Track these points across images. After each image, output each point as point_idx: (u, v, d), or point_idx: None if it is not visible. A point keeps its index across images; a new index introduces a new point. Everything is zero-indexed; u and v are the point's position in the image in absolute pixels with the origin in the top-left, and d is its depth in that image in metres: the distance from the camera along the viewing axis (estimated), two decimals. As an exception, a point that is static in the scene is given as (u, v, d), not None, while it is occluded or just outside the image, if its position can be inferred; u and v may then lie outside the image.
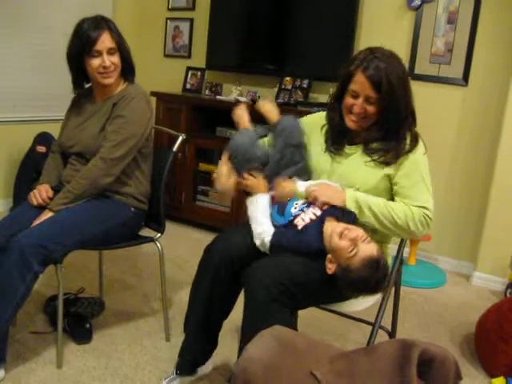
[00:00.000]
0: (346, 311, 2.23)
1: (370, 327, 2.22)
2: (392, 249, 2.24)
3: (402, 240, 2.29)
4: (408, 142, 2.03)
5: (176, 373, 2.22)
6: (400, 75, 1.95)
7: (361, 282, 1.77)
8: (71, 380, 2.25)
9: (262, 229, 1.93)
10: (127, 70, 2.45)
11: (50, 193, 2.41)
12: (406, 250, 3.67)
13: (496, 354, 2.55)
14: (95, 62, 2.32)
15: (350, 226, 1.84)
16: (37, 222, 2.23)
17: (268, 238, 1.91)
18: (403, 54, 3.91)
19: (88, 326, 2.58)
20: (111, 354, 2.47)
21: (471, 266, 3.88)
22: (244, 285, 1.89)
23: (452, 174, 3.94)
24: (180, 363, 2.22)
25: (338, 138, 2.12)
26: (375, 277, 1.77)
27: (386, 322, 2.47)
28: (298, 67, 4.30)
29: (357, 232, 1.80)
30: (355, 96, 1.98)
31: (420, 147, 2.06)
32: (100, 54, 2.31)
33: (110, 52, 2.33)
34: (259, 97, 4.47)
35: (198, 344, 2.15)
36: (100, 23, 2.31)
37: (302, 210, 1.96)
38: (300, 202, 1.99)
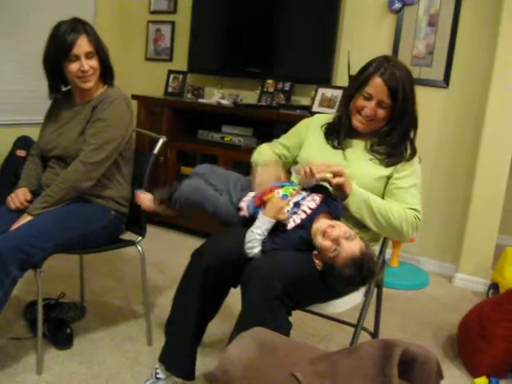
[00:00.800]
0: (328, 313, 2.23)
1: (353, 329, 2.21)
2: (375, 250, 2.24)
3: (383, 241, 2.29)
4: (408, 148, 2.14)
5: (156, 377, 2.14)
6: (411, 85, 2.07)
7: (346, 278, 1.78)
8: (52, 386, 2.23)
9: (252, 247, 1.92)
10: (106, 74, 2.43)
11: (28, 196, 2.39)
12: (389, 251, 3.69)
13: (478, 354, 2.56)
14: (73, 67, 2.29)
15: (334, 223, 1.84)
16: (15, 225, 2.20)
17: (257, 250, 1.90)
18: (384, 57, 3.92)
19: (69, 331, 2.55)
20: (92, 359, 2.44)
21: (454, 267, 3.90)
22: (242, 286, 1.88)
23: (434, 176, 3.96)
24: (173, 368, 2.10)
25: (340, 133, 2.18)
26: (360, 274, 1.77)
27: (369, 323, 2.48)
28: (280, 70, 4.31)
29: (339, 231, 1.80)
30: (368, 98, 2.05)
31: (417, 156, 2.16)
32: (78, 58, 2.28)
33: (88, 56, 2.30)
34: (241, 100, 4.47)
35: (190, 347, 2.08)
36: (77, 26, 2.28)
37: (294, 213, 1.95)
38: (291, 203, 1.97)
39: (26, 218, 2.22)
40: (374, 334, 2.53)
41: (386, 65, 2.04)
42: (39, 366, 2.30)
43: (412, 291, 3.61)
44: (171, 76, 4.85)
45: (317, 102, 3.94)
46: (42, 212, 2.24)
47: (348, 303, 2.07)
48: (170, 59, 5.01)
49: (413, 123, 2.14)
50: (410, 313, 3.25)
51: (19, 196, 2.36)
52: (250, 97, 4.48)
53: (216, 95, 4.51)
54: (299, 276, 1.83)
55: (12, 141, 4.24)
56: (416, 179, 2.13)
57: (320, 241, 1.81)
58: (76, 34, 2.25)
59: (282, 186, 2.05)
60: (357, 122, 2.11)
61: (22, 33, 4.34)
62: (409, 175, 2.10)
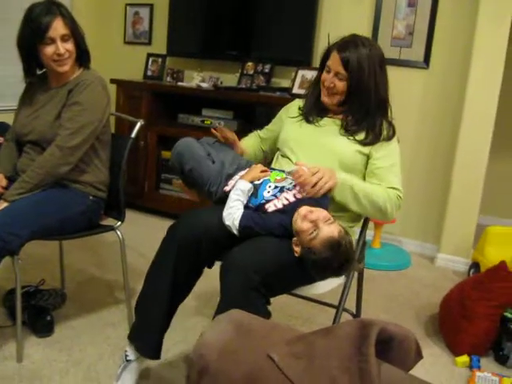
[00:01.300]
0: (310, 295, 2.23)
1: (335, 310, 2.21)
2: (355, 232, 2.24)
3: (364, 222, 2.29)
4: (385, 128, 2.16)
5: (127, 359, 2.11)
6: (372, 61, 2.09)
7: (323, 263, 1.78)
8: (32, 374, 2.20)
9: (233, 210, 1.91)
10: (82, 56, 2.39)
11: (4, 182, 2.35)
12: (371, 233, 3.70)
13: (460, 332, 2.58)
14: (49, 50, 2.25)
15: (313, 209, 1.83)
16: None
17: (237, 220, 1.89)
18: (364, 38, 3.90)
19: (49, 318, 2.52)
20: (73, 346, 2.42)
21: (435, 247, 3.92)
22: (221, 277, 1.85)
23: (415, 157, 3.96)
24: (140, 346, 2.08)
25: (313, 111, 2.23)
26: (337, 258, 1.77)
27: (352, 304, 2.48)
28: (260, 52, 4.27)
29: (318, 214, 1.79)
30: (328, 71, 2.13)
31: (396, 142, 2.21)
32: (53, 41, 2.24)
33: (64, 39, 2.26)
34: (221, 83, 4.43)
35: (160, 324, 2.05)
36: (51, 8, 2.23)
37: (274, 196, 1.95)
38: (272, 185, 1.99)
39: (1, 205, 2.19)
40: (356, 315, 2.53)
41: (347, 39, 2.12)
42: (19, 354, 2.28)
43: (394, 272, 3.63)
44: (150, 59, 4.79)
45: (297, 84, 3.92)
46: (18, 198, 2.20)
47: (329, 284, 2.07)
48: (149, 42, 4.94)
49: (379, 102, 2.15)
50: (392, 293, 3.27)
51: None
52: (230, 79, 4.44)
53: (196, 78, 4.46)
54: (278, 266, 1.83)
55: (-11, 128, 4.19)
56: (395, 158, 2.16)
57: (299, 223, 1.81)
58: (51, 17, 2.21)
59: (272, 170, 2.09)
60: (323, 96, 2.18)
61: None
62: (388, 155, 2.13)
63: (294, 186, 1.97)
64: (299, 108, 2.30)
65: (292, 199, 1.93)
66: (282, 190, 1.97)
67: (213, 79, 4.48)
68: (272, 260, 1.82)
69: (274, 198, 1.95)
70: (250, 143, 2.43)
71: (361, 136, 2.12)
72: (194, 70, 4.58)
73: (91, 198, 2.41)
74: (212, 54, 4.52)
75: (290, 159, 2.16)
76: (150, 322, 2.05)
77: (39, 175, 2.24)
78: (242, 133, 3.81)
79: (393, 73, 3.85)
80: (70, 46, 2.29)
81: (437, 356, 2.58)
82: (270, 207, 1.93)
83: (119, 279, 3.07)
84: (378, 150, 2.12)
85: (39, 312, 2.54)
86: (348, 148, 2.11)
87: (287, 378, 1.14)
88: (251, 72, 4.27)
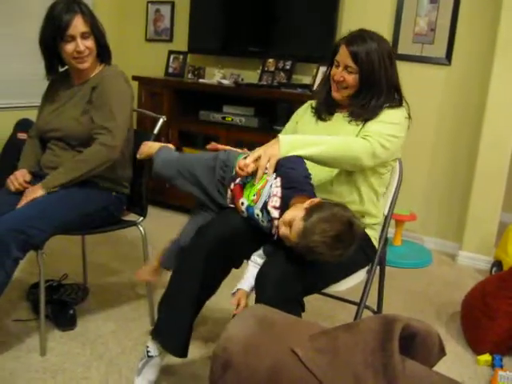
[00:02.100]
0: (331, 291, 2.22)
1: (357, 307, 2.21)
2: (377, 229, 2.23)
3: (386, 219, 2.28)
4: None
5: (149, 355, 2.10)
6: (381, 53, 2.07)
7: (328, 244, 1.71)
8: (55, 366, 2.23)
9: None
10: (103, 53, 2.41)
11: (28, 177, 2.38)
12: (392, 230, 3.68)
13: (481, 331, 2.56)
14: (69, 47, 2.27)
15: (287, 213, 1.79)
16: (24, 201, 2.20)
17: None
18: (386, 34, 3.82)
19: (72, 312, 2.55)
20: (96, 340, 2.45)
21: (457, 245, 3.89)
22: (258, 285, 1.85)
23: (436, 154, 3.94)
24: (167, 344, 2.06)
25: (324, 107, 2.22)
26: (331, 232, 1.71)
27: (372, 301, 2.47)
28: (281, 49, 4.27)
29: (289, 214, 1.78)
30: (337, 66, 2.12)
31: (402, 109, 2.15)
32: (73, 38, 2.26)
33: (84, 36, 2.28)
34: (242, 80, 4.44)
35: (187, 323, 2.04)
36: (72, 6, 2.25)
37: (269, 221, 1.91)
38: (257, 210, 1.92)
39: (37, 192, 2.22)
40: (377, 312, 2.52)
41: (355, 33, 2.10)
42: (43, 347, 2.31)
43: (415, 270, 3.61)
44: (171, 56, 4.82)
45: (318, 81, 3.90)
46: (56, 187, 2.24)
47: (351, 281, 2.07)
48: (171, 40, 4.96)
49: (390, 89, 2.12)
50: (414, 291, 3.25)
51: (18, 177, 2.35)
52: (250, 76, 4.45)
53: (217, 75, 4.48)
54: (315, 270, 1.83)
55: (13, 124, 4.23)
56: (388, 118, 2.08)
57: (285, 232, 1.78)
58: (71, 14, 2.23)
59: (243, 186, 2.00)
60: (333, 91, 2.16)
61: (20, 15, 4.30)
62: (382, 118, 2.08)
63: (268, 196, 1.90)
64: (311, 107, 2.30)
65: (276, 214, 1.87)
66: (265, 205, 1.90)
67: (234, 76, 4.48)
68: (308, 265, 1.81)
69: (269, 224, 1.91)
70: None
71: (363, 118, 2.10)
72: (214, 66, 4.59)
73: (114, 194, 2.43)
74: (233, 51, 4.53)
75: None
76: (178, 321, 2.05)
77: (82, 169, 2.27)
78: (262, 130, 3.82)
79: (414, 69, 3.88)
80: (89, 43, 2.31)
81: (458, 354, 2.56)
82: (274, 234, 1.91)
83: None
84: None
85: (62, 306, 2.57)
86: (355, 132, 2.08)
87: (311, 373, 1.14)
88: (272, 69, 4.27)
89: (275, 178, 1.91)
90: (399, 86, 2.16)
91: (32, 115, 2.59)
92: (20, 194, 2.29)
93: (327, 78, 2.22)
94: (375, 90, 2.08)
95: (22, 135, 4.11)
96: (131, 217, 2.56)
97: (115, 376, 2.20)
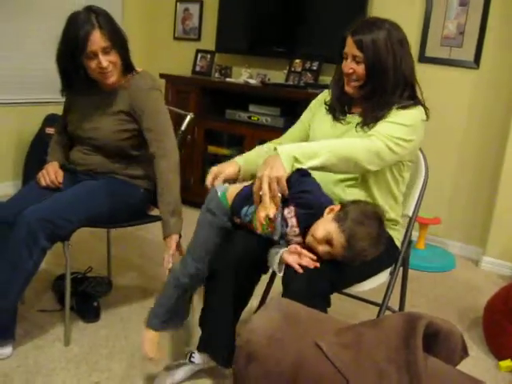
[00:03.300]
0: (352, 291, 2.22)
1: (378, 308, 2.21)
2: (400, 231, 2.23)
3: (410, 220, 2.27)
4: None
5: (191, 360, 2.15)
6: (389, 39, 1.96)
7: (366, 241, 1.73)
8: (78, 357, 2.27)
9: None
10: (126, 67, 2.34)
11: (60, 175, 2.40)
12: (415, 233, 3.67)
13: (504, 336, 2.54)
14: (92, 64, 2.21)
15: (317, 230, 1.77)
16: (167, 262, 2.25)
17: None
18: (414, 37, 3.87)
19: (96, 304, 2.59)
20: (118, 333, 2.48)
21: (480, 250, 3.86)
22: (284, 278, 1.84)
23: (462, 158, 3.91)
24: (213, 356, 2.10)
25: (338, 105, 2.15)
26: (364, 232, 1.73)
27: (394, 303, 2.47)
28: (308, 49, 4.28)
29: (315, 233, 1.76)
30: (346, 58, 2.03)
31: (417, 110, 2.02)
32: (95, 54, 2.18)
33: (105, 51, 2.19)
34: (269, 79, 4.45)
35: (228, 334, 2.05)
36: (89, 21, 2.14)
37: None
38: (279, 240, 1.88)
39: (172, 240, 2.27)
40: (399, 314, 2.52)
41: (359, 23, 2.02)
42: (67, 338, 2.35)
43: (438, 273, 3.59)
44: (199, 55, 4.85)
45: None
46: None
47: (374, 281, 2.07)
48: (198, 38, 5.00)
49: (398, 81, 2.00)
50: (436, 295, 3.24)
51: (51, 174, 2.37)
52: (277, 76, 4.47)
53: (243, 75, 4.50)
54: (336, 269, 1.81)
55: (42, 119, 4.30)
56: (399, 119, 1.97)
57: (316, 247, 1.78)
58: (88, 29, 2.13)
59: (250, 220, 1.90)
60: (346, 86, 2.07)
61: (50, 12, 4.36)
62: (393, 118, 1.97)
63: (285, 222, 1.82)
64: (325, 102, 2.23)
65: (297, 230, 1.82)
66: (283, 235, 1.85)
67: (260, 76, 4.51)
68: (334, 262, 1.80)
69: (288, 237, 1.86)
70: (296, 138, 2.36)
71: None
72: (241, 66, 4.61)
73: (142, 190, 2.46)
74: (260, 51, 4.55)
75: None
76: (219, 334, 2.06)
77: (176, 197, 2.35)
78: (288, 130, 3.81)
79: (442, 72, 3.87)
80: (112, 57, 2.23)
81: (480, 359, 2.54)
82: (295, 240, 1.85)
83: (163, 270, 3.12)
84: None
85: (87, 298, 2.61)
86: None
87: (334, 367, 1.15)
88: (299, 69, 4.28)
89: (287, 207, 1.80)
90: (414, 82, 2.05)
91: (60, 111, 2.61)
92: (48, 189, 2.33)
93: (340, 74, 2.11)
94: (383, 80, 1.97)
95: (50, 130, 4.18)
96: (156, 211, 2.58)
97: (137, 369, 2.23)
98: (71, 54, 2.19)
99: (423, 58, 3.88)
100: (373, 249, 1.74)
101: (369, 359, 1.16)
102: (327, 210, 1.79)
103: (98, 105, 2.39)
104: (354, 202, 1.81)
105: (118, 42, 2.24)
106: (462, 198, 3.95)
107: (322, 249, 1.75)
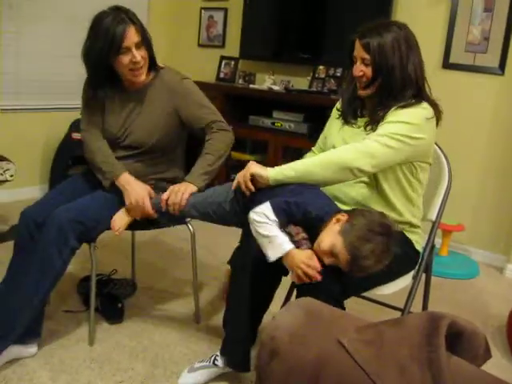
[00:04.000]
0: (372, 295, 2.23)
1: (400, 313, 2.21)
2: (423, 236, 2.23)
3: (433, 226, 2.27)
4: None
5: (214, 363, 2.17)
6: (396, 40, 2.00)
7: (371, 249, 1.71)
8: (102, 357, 2.30)
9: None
10: (151, 63, 2.36)
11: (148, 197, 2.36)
12: (438, 240, 3.65)
13: (528, 343, 2.52)
14: (125, 59, 2.20)
15: (322, 242, 1.78)
16: (166, 195, 2.28)
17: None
18: (439, 44, 3.87)
19: (120, 305, 2.63)
20: (142, 334, 2.50)
21: (505, 258, 3.83)
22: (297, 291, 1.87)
23: (487, 165, 3.89)
24: (229, 360, 2.13)
25: (349, 109, 2.18)
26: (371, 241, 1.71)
27: (416, 308, 2.46)
28: (332, 56, 4.28)
29: (321, 245, 1.77)
30: (355, 61, 2.07)
31: (420, 108, 2.00)
32: (129, 49, 2.19)
33: (138, 46, 2.21)
34: (292, 86, 4.47)
35: (246, 338, 2.08)
36: (122, 17, 2.17)
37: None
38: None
39: (191, 188, 2.31)
40: (422, 320, 2.51)
41: (368, 27, 2.07)
42: (91, 338, 2.38)
43: (461, 281, 3.56)
44: (223, 62, 4.89)
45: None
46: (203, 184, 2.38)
47: (396, 285, 2.07)
48: (223, 45, 5.04)
49: (405, 82, 1.99)
50: (459, 302, 3.21)
51: (146, 203, 2.32)
52: (301, 83, 4.49)
53: (267, 81, 4.53)
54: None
55: (68, 124, 4.36)
56: (401, 119, 1.95)
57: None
58: (124, 26, 2.16)
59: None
60: (359, 90, 2.10)
61: (77, 17, 4.42)
62: (390, 120, 1.97)
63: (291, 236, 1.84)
64: (337, 108, 2.27)
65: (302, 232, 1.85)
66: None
67: (284, 82, 4.53)
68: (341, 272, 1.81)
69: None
70: None
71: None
72: (265, 72, 4.64)
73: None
74: (284, 58, 4.57)
75: None
76: (237, 337, 2.10)
77: (220, 157, 2.51)
78: (311, 136, 3.83)
79: (466, 79, 3.86)
80: (143, 52, 2.26)
81: (503, 368, 2.52)
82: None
83: (188, 273, 3.14)
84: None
85: (111, 300, 2.65)
86: None
87: (356, 363, 1.16)
88: (323, 76, 4.29)
89: (292, 226, 1.84)
90: (422, 81, 2.04)
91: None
92: (81, 193, 2.37)
93: (351, 78, 2.13)
94: (389, 76, 1.98)
95: (76, 135, 4.23)
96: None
97: (160, 368, 2.25)
98: (105, 49, 2.19)
99: (447, 65, 3.87)
100: (378, 265, 1.73)
101: (390, 356, 1.17)
102: (334, 219, 1.79)
103: (131, 106, 2.39)
104: (361, 213, 1.79)
105: (146, 38, 2.28)
106: (487, 205, 3.92)
107: (328, 260, 1.77)
